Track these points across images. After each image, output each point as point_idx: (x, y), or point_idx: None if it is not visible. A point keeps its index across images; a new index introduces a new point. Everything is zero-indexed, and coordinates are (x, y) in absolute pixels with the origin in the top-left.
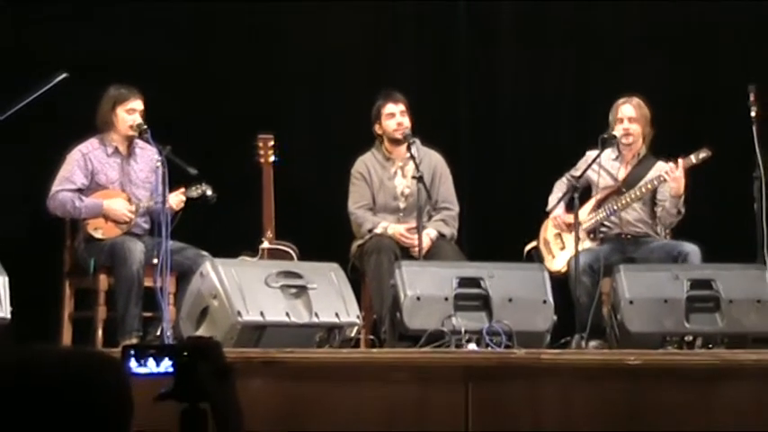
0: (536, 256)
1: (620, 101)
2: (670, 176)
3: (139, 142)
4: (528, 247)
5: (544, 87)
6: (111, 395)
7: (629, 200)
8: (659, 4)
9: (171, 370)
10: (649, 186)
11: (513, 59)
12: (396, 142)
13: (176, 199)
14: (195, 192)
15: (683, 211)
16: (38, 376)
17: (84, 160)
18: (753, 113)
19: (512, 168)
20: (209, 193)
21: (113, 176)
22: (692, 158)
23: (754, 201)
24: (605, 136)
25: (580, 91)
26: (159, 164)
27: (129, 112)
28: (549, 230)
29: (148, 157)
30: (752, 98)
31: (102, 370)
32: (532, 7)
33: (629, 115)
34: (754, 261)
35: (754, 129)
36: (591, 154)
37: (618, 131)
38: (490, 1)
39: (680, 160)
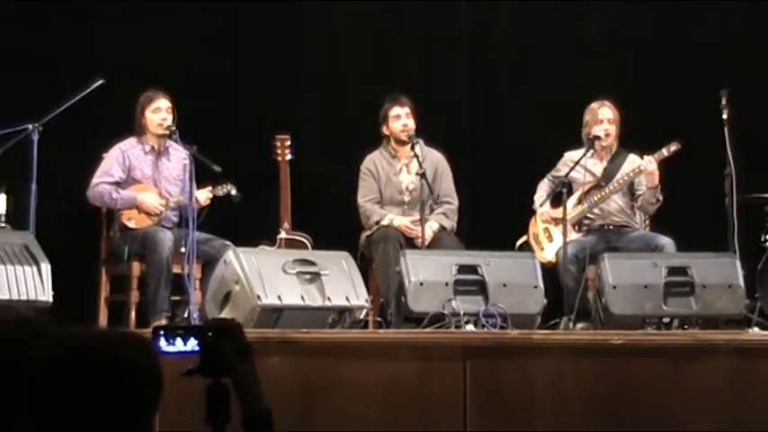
0: (527, 250)
1: (596, 104)
2: (646, 171)
3: (172, 143)
4: (519, 242)
5: (537, 92)
6: (142, 371)
7: (608, 192)
8: (644, 13)
9: (197, 348)
10: (626, 178)
11: (508, 68)
12: (401, 142)
13: (203, 196)
14: (221, 191)
15: (660, 198)
16: (77, 354)
17: (122, 156)
18: (724, 116)
19: (506, 165)
20: (233, 192)
21: (148, 172)
22: (664, 152)
23: (725, 196)
24: (591, 137)
25: (570, 95)
26: (187, 161)
27: (155, 111)
28: (537, 225)
29: (180, 157)
30: (723, 102)
31: (134, 349)
32: (526, 17)
33: (608, 117)
34: (726, 250)
35: (725, 130)
36: (569, 155)
37: (598, 132)
38: (488, 2)
39: (647, 157)
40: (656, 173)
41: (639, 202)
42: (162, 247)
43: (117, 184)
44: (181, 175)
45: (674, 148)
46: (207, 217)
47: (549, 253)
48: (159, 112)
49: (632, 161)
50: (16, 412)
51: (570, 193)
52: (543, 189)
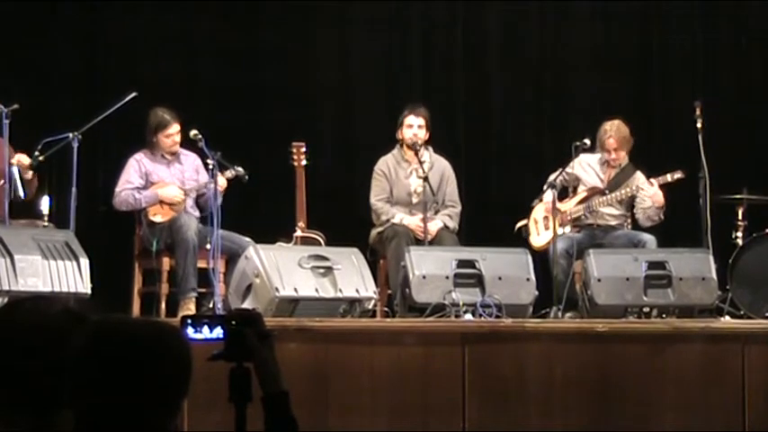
0: (524, 231)
1: (606, 127)
2: (648, 194)
3: (182, 150)
4: (519, 224)
5: (526, 105)
6: (173, 357)
7: (610, 201)
8: (621, 29)
9: (222, 336)
10: (628, 193)
11: (499, 84)
12: (411, 147)
13: (222, 180)
14: (230, 173)
15: (662, 217)
16: (114, 341)
17: (138, 165)
18: (698, 125)
19: (499, 171)
20: (241, 172)
21: (164, 175)
22: (668, 177)
23: (699, 197)
24: (577, 144)
25: (556, 109)
26: (211, 165)
27: (168, 137)
28: (539, 212)
29: (192, 161)
30: (698, 112)
31: (166, 336)
32: (514, 39)
33: (613, 147)
34: (700, 246)
35: (699, 137)
36: (583, 156)
37: (605, 156)
38: (481, 28)
39: (653, 180)
40: (659, 194)
41: (640, 213)
42: (187, 227)
43: (137, 189)
44: (193, 176)
45: (677, 175)
46: (230, 215)
47: (542, 239)
48: (171, 137)
49: (637, 178)
50: (63, 395)
51: (574, 192)
52: (557, 180)
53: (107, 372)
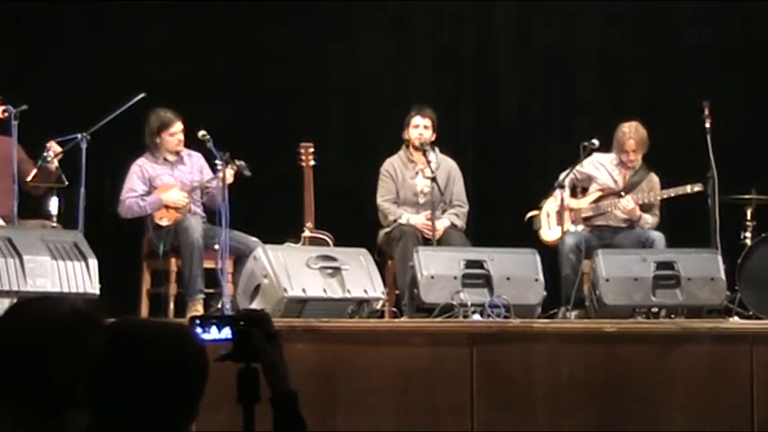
0: (535, 222)
1: (624, 129)
2: (625, 209)
3: (185, 150)
4: (529, 214)
5: (533, 105)
6: (192, 359)
7: (624, 203)
8: (629, 29)
9: (230, 336)
10: (648, 197)
11: (507, 84)
12: (417, 148)
13: (229, 172)
14: (232, 168)
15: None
16: (132, 343)
17: (140, 171)
18: (707, 125)
19: (505, 171)
20: (243, 164)
21: (167, 179)
22: (687, 189)
23: (708, 197)
24: (585, 144)
25: (564, 107)
26: (220, 166)
27: (172, 135)
28: (551, 206)
29: (195, 161)
30: (706, 112)
31: (185, 340)
32: (523, 42)
33: (632, 148)
34: (709, 246)
35: (708, 137)
36: (597, 156)
37: (622, 157)
38: (489, 28)
39: (672, 190)
40: (635, 212)
41: (651, 219)
42: (192, 230)
43: (141, 196)
44: (197, 177)
45: (697, 188)
46: (238, 215)
47: (553, 234)
48: (175, 136)
49: (651, 180)
50: (69, 395)
51: (583, 191)
52: (566, 180)
53: (127, 376)
